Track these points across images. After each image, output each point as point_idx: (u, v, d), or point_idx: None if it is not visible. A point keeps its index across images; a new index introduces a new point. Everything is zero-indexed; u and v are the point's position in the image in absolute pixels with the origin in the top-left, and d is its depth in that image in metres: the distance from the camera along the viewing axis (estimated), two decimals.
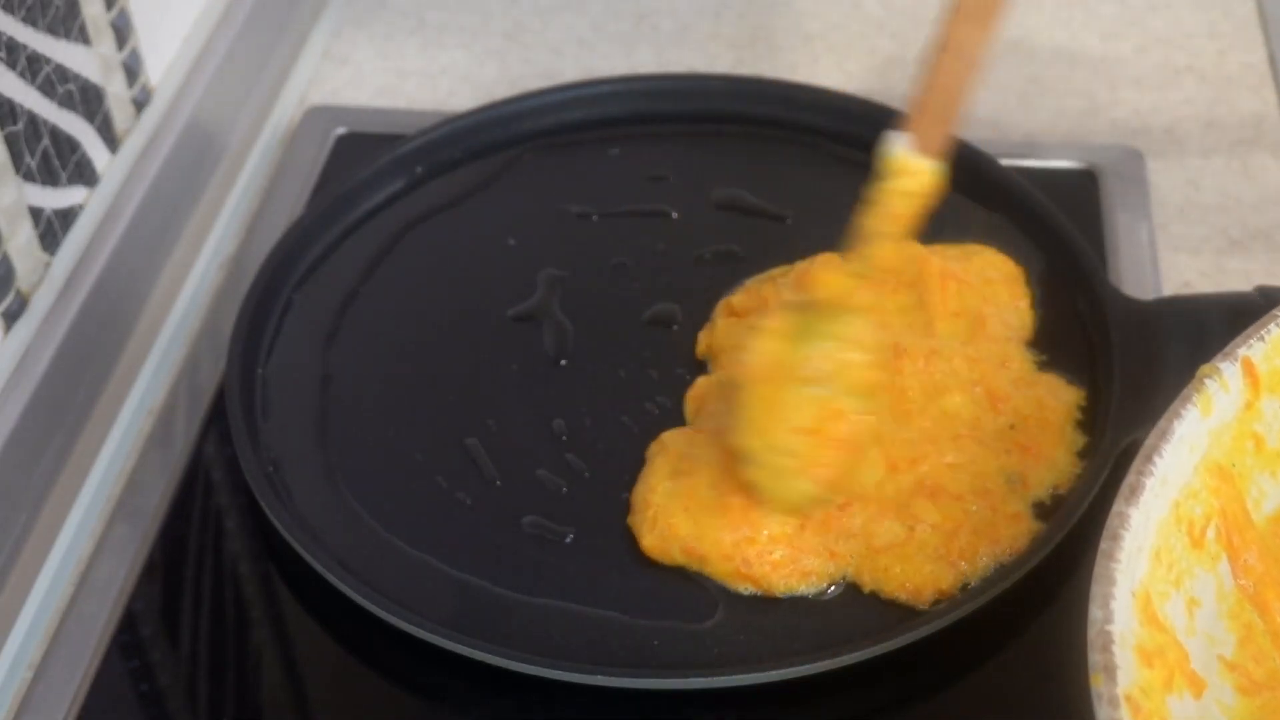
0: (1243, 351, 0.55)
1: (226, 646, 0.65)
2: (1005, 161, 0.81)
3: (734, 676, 0.60)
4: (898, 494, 0.65)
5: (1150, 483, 0.51)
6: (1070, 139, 0.87)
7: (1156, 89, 0.90)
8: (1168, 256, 0.80)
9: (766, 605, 0.64)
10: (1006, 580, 0.62)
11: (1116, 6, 0.96)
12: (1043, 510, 0.66)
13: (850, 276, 0.62)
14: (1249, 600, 0.54)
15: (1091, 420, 0.69)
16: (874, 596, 0.64)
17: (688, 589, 0.64)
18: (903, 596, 0.63)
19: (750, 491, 0.64)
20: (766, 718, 0.62)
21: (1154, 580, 0.51)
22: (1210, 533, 0.54)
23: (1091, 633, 0.47)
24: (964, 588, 0.63)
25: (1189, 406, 0.54)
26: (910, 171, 0.61)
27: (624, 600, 0.64)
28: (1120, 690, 0.46)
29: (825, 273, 0.63)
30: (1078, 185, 0.83)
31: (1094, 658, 0.47)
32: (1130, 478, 0.51)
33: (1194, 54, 0.92)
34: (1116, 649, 0.47)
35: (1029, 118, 0.88)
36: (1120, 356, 0.69)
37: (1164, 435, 0.53)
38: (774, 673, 0.60)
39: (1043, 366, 0.71)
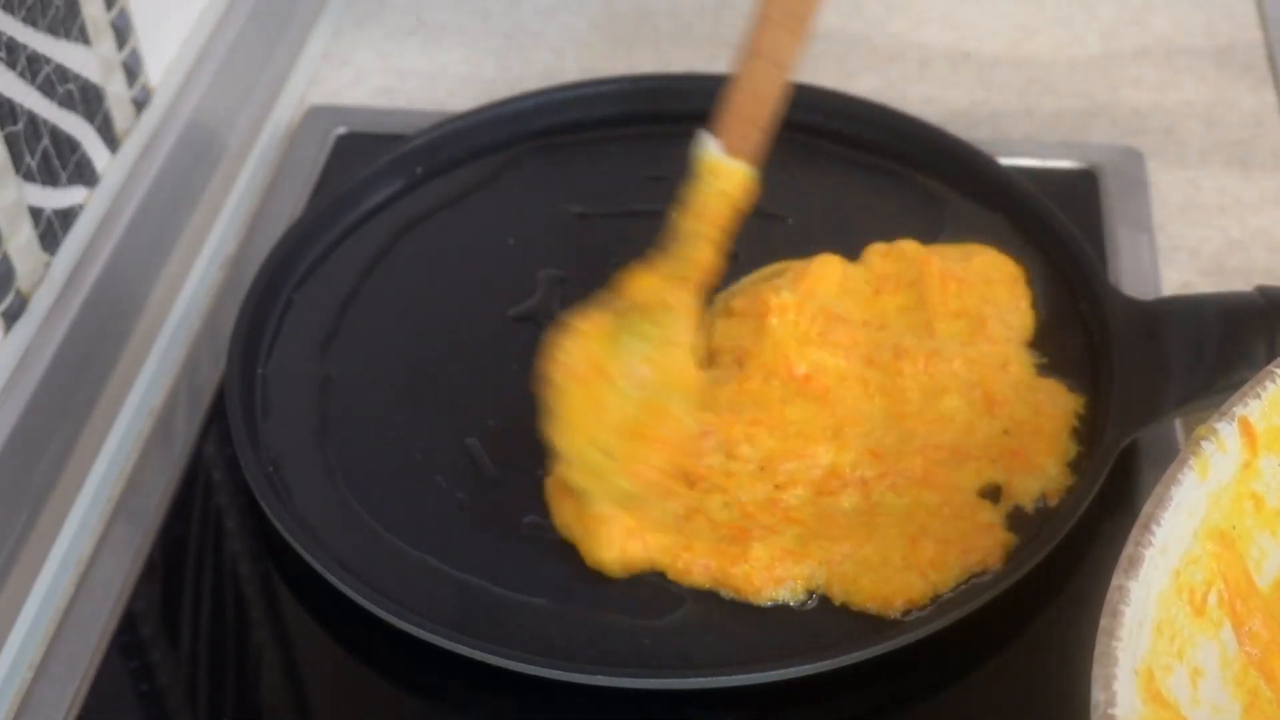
0: (1239, 410, 0.54)
1: (226, 646, 0.65)
2: (1005, 161, 0.81)
3: (733, 677, 0.60)
4: (866, 501, 0.65)
5: (1149, 554, 0.50)
6: (1070, 139, 0.87)
7: (1156, 89, 0.90)
8: (1168, 256, 0.80)
9: (764, 607, 0.64)
10: (1008, 579, 0.62)
11: (1116, 6, 0.96)
12: (1022, 519, 0.65)
13: (664, 278, 0.64)
14: (1255, 667, 0.53)
15: (1088, 429, 0.68)
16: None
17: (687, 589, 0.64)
18: (872, 607, 0.63)
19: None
20: (765, 718, 0.62)
21: (1156, 655, 0.50)
22: (1212, 599, 0.53)
23: (1094, 717, 0.46)
24: (935, 597, 0.63)
25: (1186, 471, 0.52)
26: (722, 173, 0.62)
27: (623, 600, 0.64)
28: None
29: (640, 275, 0.64)
30: (1078, 185, 0.83)
31: None
32: (1129, 549, 0.50)
33: (1194, 54, 0.92)
34: None
35: (1029, 118, 0.88)
36: (1120, 356, 0.69)
37: (1162, 502, 0.51)
38: (774, 673, 0.60)
39: (1044, 370, 0.71)
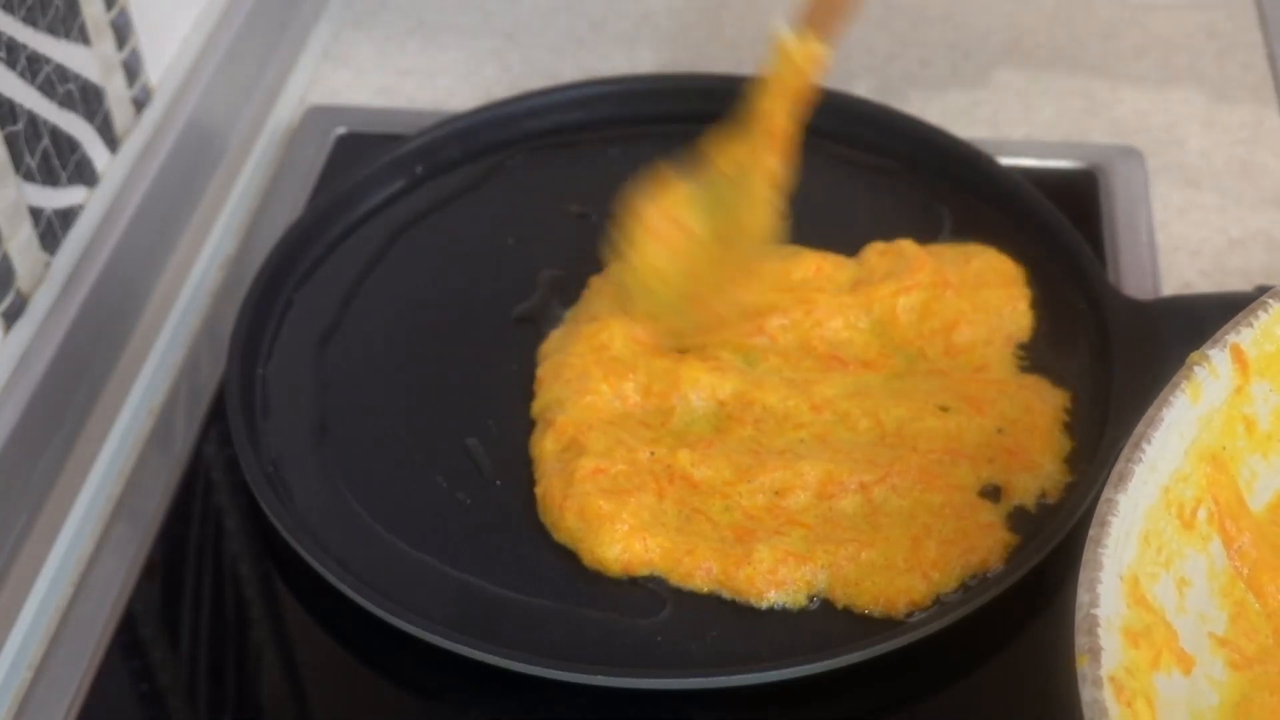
0: (1231, 338, 0.56)
1: (226, 646, 0.65)
2: (1005, 161, 0.81)
3: (733, 677, 0.61)
4: (868, 503, 0.65)
5: (1139, 469, 0.52)
6: (1070, 139, 0.87)
7: (1156, 89, 0.90)
8: (1168, 256, 0.80)
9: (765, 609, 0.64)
10: (1008, 580, 0.62)
11: (1116, 6, 0.96)
12: (1023, 517, 0.65)
13: (744, 144, 0.70)
14: (1244, 583, 0.55)
15: (1078, 423, 0.69)
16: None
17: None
18: (876, 611, 0.63)
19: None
20: (766, 718, 0.62)
21: (1143, 563, 0.52)
22: (1201, 514, 0.55)
23: (1078, 616, 0.49)
24: (937, 598, 0.63)
25: (1178, 394, 0.55)
26: (797, 52, 0.69)
27: (622, 600, 0.64)
28: (1104, 672, 0.47)
29: (721, 142, 0.70)
30: (1078, 185, 0.83)
31: (1080, 640, 0.48)
32: (1119, 465, 0.53)
33: (1194, 54, 0.92)
34: (1102, 631, 0.48)
35: (1029, 118, 0.88)
36: (1120, 356, 0.69)
37: (1152, 423, 0.54)
38: (773, 673, 0.61)
39: (1037, 368, 0.71)
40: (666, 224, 0.71)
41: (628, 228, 0.71)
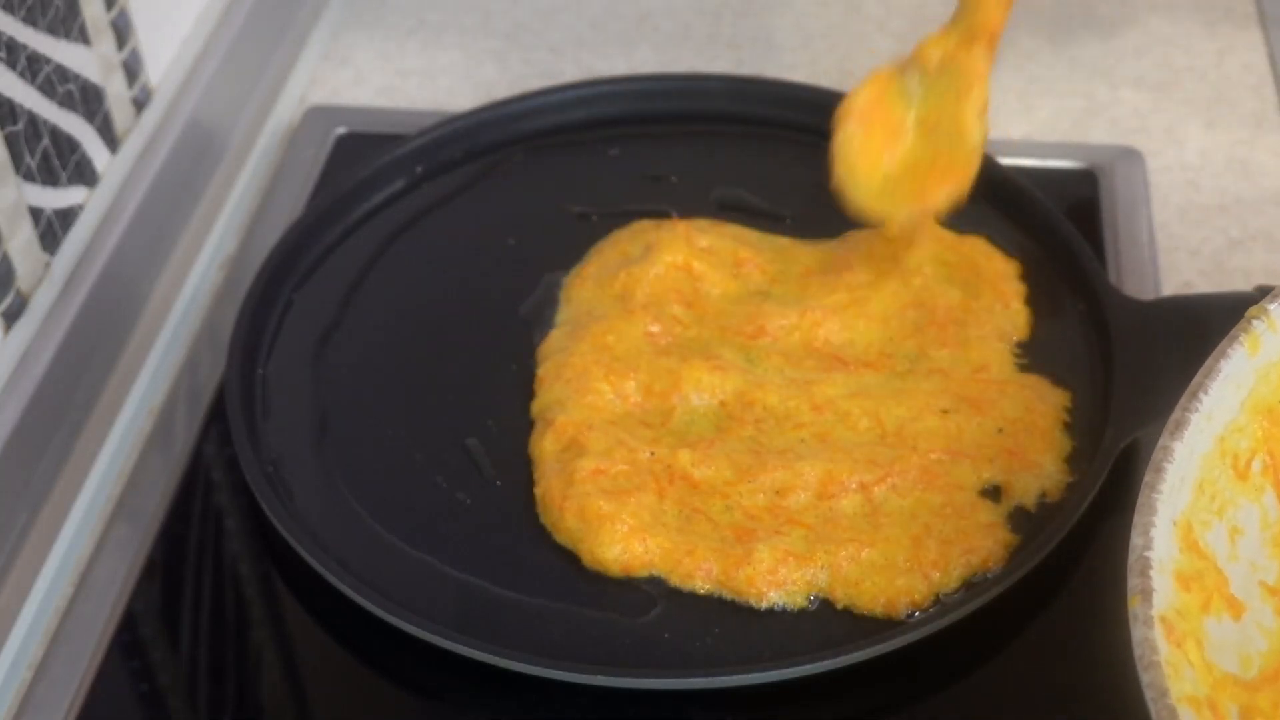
0: None
1: (226, 646, 0.65)
2: (1005, 161, 0.81)
3: (733, 677, 0.61)
4: (868, 503, 0.65)
5: (1195, 418, 0.54)
6: (1070, 139, 0.87)
7: (1156, 89, 0.90)
8: (1168, 256, 0.80)
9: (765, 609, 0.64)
10: (1007, 580, 0.62)
11: (1116, 6, 0.96)
12: (1023, 517, 0.65)
13: (954, 39, 0.71)
14: None
15: (1079, 423, 0.69)
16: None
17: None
18: (876, 611, 0.63)
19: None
20: (766, 718, 0.62)
21: (1196, 510, 0.53)
22: (1256, 466, 0.56)
23: (1131, 558, 0.50)
24: (937, 598, 0.63)
25: (1236, 346, 0.56)
26: None
27: (622, 600, 0.64)
28: (1155, 612, 0.48)
29: (932, 38, 0.72)
30: (1078, 185, 0.83)
31: (1132, 581, 0.49)
32: (1176, 414, 0.54)
33: (1194, 54, 0.92)
34: (1154, 574, 0.49)
35: (1029, 118, 0.88)
36: (1120, 356, 0.69)
37: (1210, 373, 0.55)
38: (773, 673, 0.61)
39: (1035, 367, 0.71)
40: (874, 113, 0.71)
41: (837, 121, 0.72)
